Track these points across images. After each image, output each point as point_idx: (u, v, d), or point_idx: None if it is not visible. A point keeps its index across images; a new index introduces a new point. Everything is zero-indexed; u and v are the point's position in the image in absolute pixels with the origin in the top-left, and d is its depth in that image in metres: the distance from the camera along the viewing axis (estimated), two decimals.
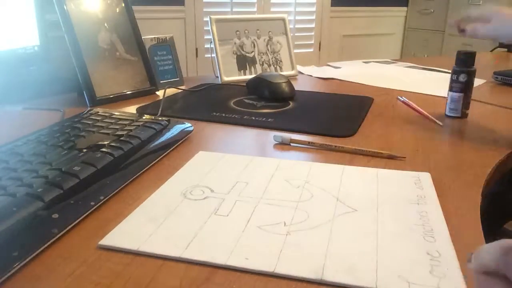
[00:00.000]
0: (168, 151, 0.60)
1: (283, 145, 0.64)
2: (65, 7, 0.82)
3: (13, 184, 0.44)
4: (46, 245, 0.37)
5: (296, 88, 0.95)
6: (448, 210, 0.45)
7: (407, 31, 3.59)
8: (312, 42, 3.22)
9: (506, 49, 1.78)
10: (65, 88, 0.90)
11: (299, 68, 1.25)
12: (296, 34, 3.07)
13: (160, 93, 0.94)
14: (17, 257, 0.35)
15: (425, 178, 0.52)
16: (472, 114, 0.80)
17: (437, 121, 0.76)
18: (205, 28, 2.80)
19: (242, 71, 1.11)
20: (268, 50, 1.15)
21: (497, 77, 1.12)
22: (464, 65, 0.77)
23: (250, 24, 1.13)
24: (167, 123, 0.68)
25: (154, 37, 0.99)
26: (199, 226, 0.41)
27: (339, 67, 1.32)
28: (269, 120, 0.76)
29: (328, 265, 0.35)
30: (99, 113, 0.71)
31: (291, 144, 0.64)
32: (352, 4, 3.33)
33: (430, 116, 0.77)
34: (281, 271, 0.35)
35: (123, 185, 0.49)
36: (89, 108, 0.77)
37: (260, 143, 0.66)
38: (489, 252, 0.24)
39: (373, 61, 1.44)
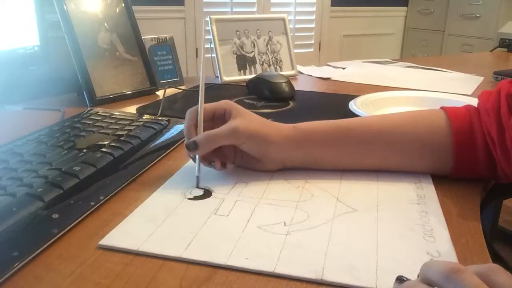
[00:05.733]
0: (168, 151, 0.60)
1: None
2: (65, 7, 0.82)
3: (13, 184, 0.44)
4: (46, 245, 0.37)
5: (296, 88, 0.95)
6: (448, 210, 0.45)
7: (407, 31, 3.59)
8: (312, 42, 3.22)
9: (506, 49, 1.79)
10: (65, 88, 0.90)
11: (299, 68, 1.25)
12: (296, 34, 3.07)
13: (160, 93, 0.94)
14: (17, 257, 0.35)
15: (425, 178, 0.52)
16: None
17: None
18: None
19: (242, 71, 1.11)
20: (268, 50, 1.15)
21: (497, 77, 1.12)
22: None
23: (250, 24, 1.13)
24: (167, 123, 0.68)
25: (154, 37, 0.99)
26: (199, 226, 0.41)
27: (339, 67, 1.32)
28: (269, 120, 0.76)
29: (328, 265, 0.35)
30: (99, 113, 0.71)
31: None
32: (352, 4, 3.33)
33: None
34: (281, 271, 0.35)
35: (123, 185, 0.49)
36: (89, 108, 0.77)
37: None
38: (438, 268, 0.28)
39: (373, 61, 1.44)
